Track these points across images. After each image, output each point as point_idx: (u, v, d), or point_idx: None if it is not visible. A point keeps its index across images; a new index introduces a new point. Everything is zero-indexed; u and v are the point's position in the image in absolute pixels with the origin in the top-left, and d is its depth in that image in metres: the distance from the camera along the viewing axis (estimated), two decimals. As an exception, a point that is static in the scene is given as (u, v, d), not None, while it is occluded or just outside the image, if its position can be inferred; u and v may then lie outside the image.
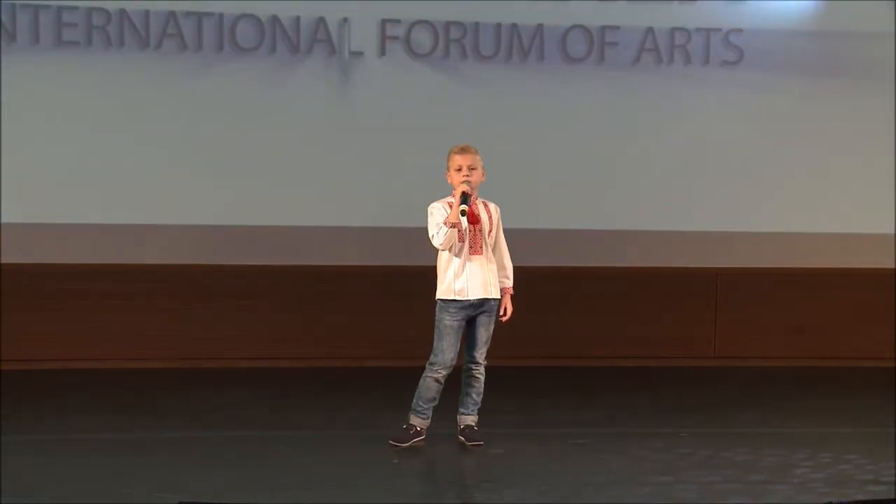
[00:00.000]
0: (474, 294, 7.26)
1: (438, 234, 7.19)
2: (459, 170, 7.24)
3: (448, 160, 7.30)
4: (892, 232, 10.25)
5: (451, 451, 7.26)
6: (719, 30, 10.16)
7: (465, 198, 7.14)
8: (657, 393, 9.19)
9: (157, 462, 6.91)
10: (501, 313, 7.39)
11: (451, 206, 7.19)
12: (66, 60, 9.53)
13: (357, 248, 9.88)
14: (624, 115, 10.08)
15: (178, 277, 9.74)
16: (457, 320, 7.27)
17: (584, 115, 10.05)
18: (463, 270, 7.26)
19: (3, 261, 9.46)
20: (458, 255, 7.26)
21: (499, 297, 7.35)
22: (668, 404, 8.75)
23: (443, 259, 7.33)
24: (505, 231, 7.45)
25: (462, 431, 7.36)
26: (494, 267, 7.35)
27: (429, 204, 7.30)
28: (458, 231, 7.19)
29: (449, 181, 7.30)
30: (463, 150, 7.29)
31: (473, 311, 7.30)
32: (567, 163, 10.03)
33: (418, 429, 7.36)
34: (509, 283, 7.43)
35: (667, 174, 10.16)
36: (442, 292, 7.30)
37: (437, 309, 7.33)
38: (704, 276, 10.26)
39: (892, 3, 10.21)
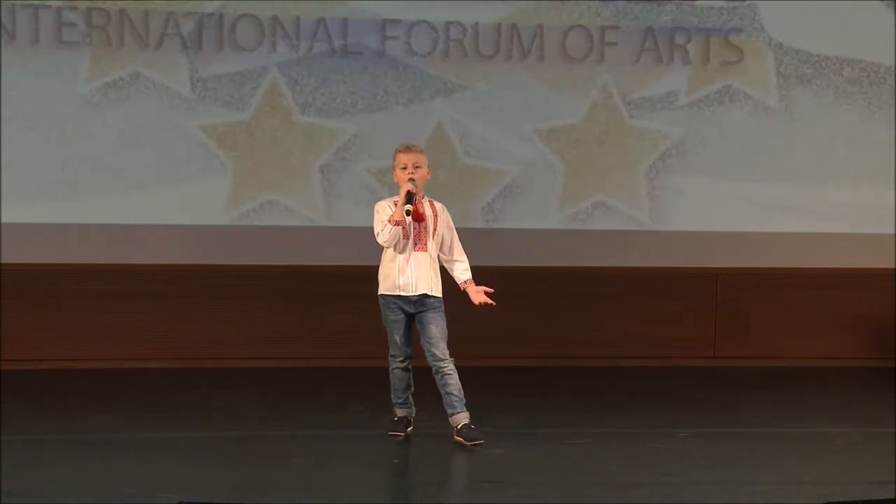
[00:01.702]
0: (418, 289, 7.30)
1: (383, 231, 7.25)
2: (405, 168, 7.29)
3: (394, 159, 7.35)
4: (892, 232, 10.25)
5: (451, 451, 7.25)
6: (719, 30, 10.16)
7: (409, 196, 7.18)
8: (657, 393, 9.19)
9: (157, 462, 6.91)
10: (484, 295, 7.35)
11: (396, 205, 7.25)
12: (66, 60, 9.52)
13: (357, 248, 9.86)
14: (623, 115, 10.07)
15: (178, 277, 9.73)
16: (399, 316, 7.35)
17: (582, 114, 10.04)
18: (407, 265, 7.31)
19: (4, 261, 9.45)
20: (402, 251, 7.31)
21: (440, 295, 7.37)
22: (668, 404, 8.75)
23: (387, 256, 7.38)
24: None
25: (459, 432, 7.31)
26: (437, 266, 7.39)
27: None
28: (403, 228, 7.24)
29: (395, 180, 7.37)
30: (408, 149, 7.36)
31: (414, 308, 7.33)
32: (566, 162, 10.01)
33: (405, 417, 7.50)
34: (468, 275, 7.43)
35: (667, 174, 10.15)
36: (385, 287, 7.36)
37: (381, 306, 7.39)
38: (704, 276, 10.25)
39: (893, 3, 10.21)
